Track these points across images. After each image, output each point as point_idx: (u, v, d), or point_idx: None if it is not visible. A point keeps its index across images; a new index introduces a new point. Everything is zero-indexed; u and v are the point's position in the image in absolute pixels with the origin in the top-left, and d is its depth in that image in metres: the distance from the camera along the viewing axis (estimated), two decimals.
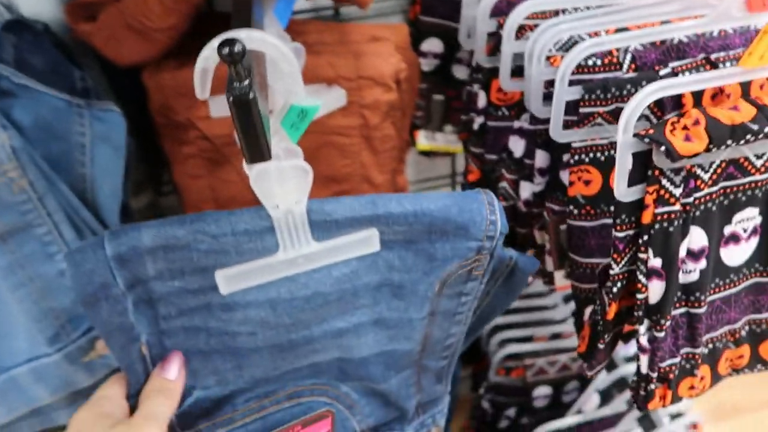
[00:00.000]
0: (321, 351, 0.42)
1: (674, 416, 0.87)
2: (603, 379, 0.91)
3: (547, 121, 0.50)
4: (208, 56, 0.30)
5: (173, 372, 0.37)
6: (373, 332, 0.43)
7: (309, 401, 0.43)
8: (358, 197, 0.39)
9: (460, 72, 0.78)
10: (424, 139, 0.83)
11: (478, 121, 0.61)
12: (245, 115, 0.28)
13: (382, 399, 0.47)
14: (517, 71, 0.52)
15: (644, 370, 0.44)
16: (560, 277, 0.58)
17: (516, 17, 0.48)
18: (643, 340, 0.43)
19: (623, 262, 0.43)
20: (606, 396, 0.90)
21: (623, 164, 0.38)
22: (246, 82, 0.28)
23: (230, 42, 0.27)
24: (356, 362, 0.44)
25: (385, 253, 0.41)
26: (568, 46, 0.50)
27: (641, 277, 0.41)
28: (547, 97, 0.48)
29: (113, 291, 0.35)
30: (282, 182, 0.34)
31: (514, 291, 0.50)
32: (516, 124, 0.55)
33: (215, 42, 0.29)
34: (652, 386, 0.44)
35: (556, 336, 0.99)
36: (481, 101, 0.59)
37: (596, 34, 0.49)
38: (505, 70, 0.51)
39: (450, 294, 0.44)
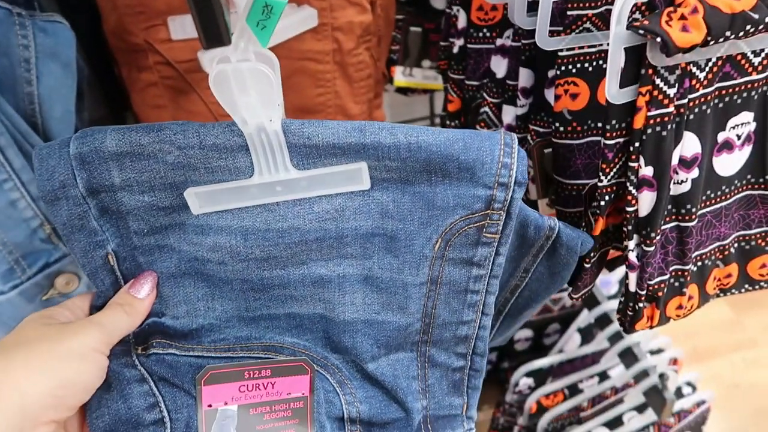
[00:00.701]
0: (299, 299, 0.38)
1: (653, 352, 0.87)
2: (584, 318, 0.90)
3: (531, 34, 0.47)
4: None
5: (143, 291, 0.36)
6: (362, 291, 0.38)
7: (288, 360, 0.39)
8: (345, 122, 0.35)
9: (438, 2, 0.75)
10: (401, 75, 0.80)
11: (458, 43, 0.58)
12: None
13: (379, 388, 0.40)
14: None
15: (633, 287, 0.42)
16: (544, 206, 0.56)
17: None
18: (632, 257, 0.41)
19: (612, 173, 0.41)
20: (587, 335, 0.90)
21: (615, 61, 0.35)
22: None
23: None
24: (341, 326, 0.38)
25: (377, 194, 0.36)
26: None
27: (631, 188, 0.39)
28: (531, 8, 0.45)
29: (72, 192, 0.33)
30: (242, 89, 0.31)
31: (559, 273, 0.42)
32: (498, 42, 0.52)
33: None
34: (640, 305, 0.43)
35: (563, 308, 0.98)
36: (461, 22, 0.56)
37: None
38: None
39: (456, 259, 0.38)
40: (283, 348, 0.39)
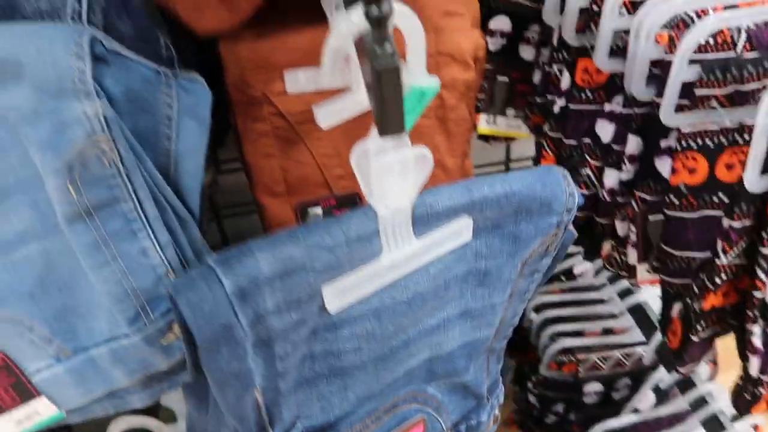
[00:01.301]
0: (415, 354, 0.41)
1: (734, 418, 0.84)
2: (659, 377, 0.88)
3: (644, 104, 0.47)
4: (354, 23, 0.27)
5: None
6: (459, 324, 0.42)
7: (403, 411, 0.41)
8: (453, 185, 0.38)
9: (526, 53, 0.75)
10: (485, 123, 0.80)
11: (559, 103, 0.58)
12: (392, 84, 0.26)
13: (463, 391, 0.46)
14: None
15: (754, 373, 0.41)
16: (643, 271, 0.56)
17: None
18: (757, 341, 0.41)
19: (733, 253, 0.41)
20: (662, 395, 0.88)
21: (758, 150, 0.35)
22: (389, 48, 0.26)
23: (378, 2, 0.25)
24: (444, 358, 0.43)
25: (472, 241, 0.39)
26: (672, 24, 0.47)
27: (761, 274, 0.39)
28: (650, 78, 0.46)
29: (236, 333, 0.31)
30: (403, 175, 0.32)
31: (554, 265, 0.49)
32: (606, 107, 0.52)
33: (358, 8, 0.27)
34: (761, 390, 0.42)
35: (608, 331, 0.96)
36: (565, 83, 0.57)
37: (704, 12, 0.46)
38: (604, 47, 0.48)
39: (527, 273, 0.43)
40: (398, 401, 0.40)
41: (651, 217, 0.51)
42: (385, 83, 0.26)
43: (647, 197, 0.50)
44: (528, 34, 0.74)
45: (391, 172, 0.32)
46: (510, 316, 0.46)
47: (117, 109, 0.39)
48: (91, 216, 0.40)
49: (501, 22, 0.73)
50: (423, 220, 0.35)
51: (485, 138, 0.84)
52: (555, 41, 0.58)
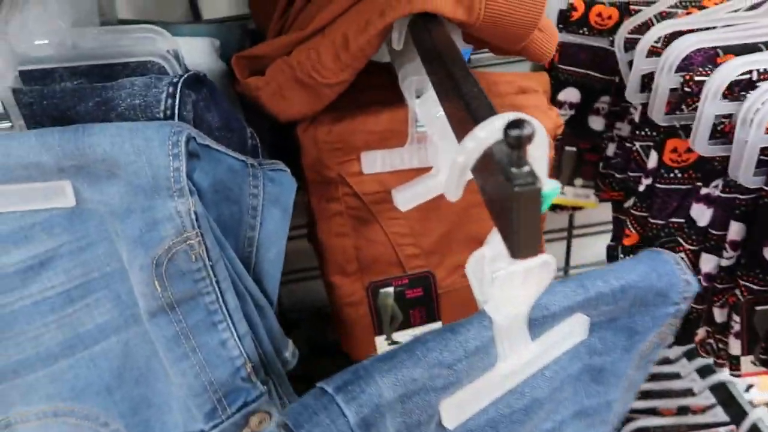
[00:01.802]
0: None
1: None
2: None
3: (751, 191, 0.44)
4: (484, 138, 0.25)
5: None
6: (573, 425, 0.40)
7: None
8: (565, 281, 0.35)
9: (596, 123, 0.73)
10: None
11: (646, 183, 0.55)
12: (531, 207, 0.24)
13: None
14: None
15: None
16: (748, 363, 0.51)
17: (726, 74, 0.43)
18: None
19: None
20: None
21: None
22: (527, 168, 0.24)
23: (520, 123, 0.23)
24: None
25: (587, 337, 0.37)
26: None
27: None
28: (760, 165, 0.43)
29: None
30: (525, 285, 0.30)
31: None
32: (703, 191, 0.49)
33: (497, 122, 0.25)
34: None
35: (684, 410, 0.90)
36: (652, 162, 0.54)
37: None
38: (704, 132, 0.45)
39: (642, 365, 0.41)
40: None
41: (758, 308, 0.48)
42: (524, 206, 0.24)
43: (754, 286, 0.47)
44: (597, 105, 0.72)
45: (512, 284, 0.30)
46: (622, 410, 0.43)
47: (204, 200, 0.38)
48: (173, 309, 0.39)
49: (570, 94, 0.71)
50: (538, 323, 0.33)
51: (552, 207, 0.81)
52: (637, 118, 0.56)
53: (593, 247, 0.97)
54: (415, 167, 0.53)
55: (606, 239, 0.72)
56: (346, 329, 0.59)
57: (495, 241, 0.30)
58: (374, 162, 0.52)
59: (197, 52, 0.50)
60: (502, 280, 0.30)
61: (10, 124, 0.38)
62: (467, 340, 0.32)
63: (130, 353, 0.42)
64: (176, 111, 0.38)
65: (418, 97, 0.50)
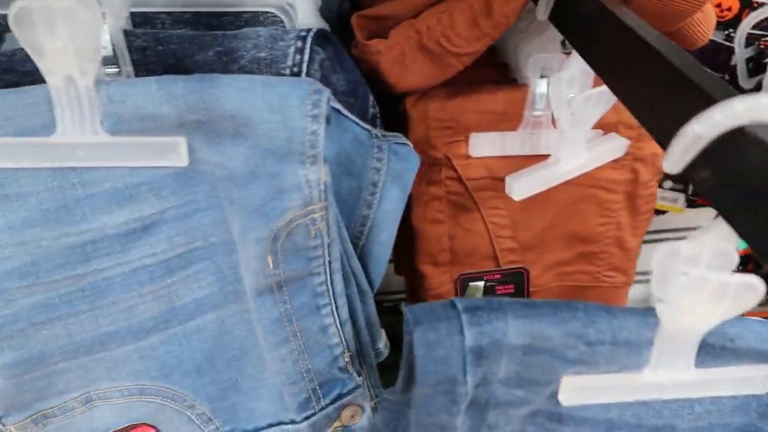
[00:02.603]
0: None
1: None
2: None
3: None
4: (736, 114, 0.21)
5: None
6: None
7: None
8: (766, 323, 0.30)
9: None
10: None
11: None
12: None
13: None
14: None
15: None
16: None
17: None
18: None
19: None
20: None
21: None
22: None
23: None
24: None
25: (765, 396, 0.32)
26: None
27: None
28: None
29: (458, 389, 0.28)
30: (714, 301, 0.26)
31: None
32: None
33: (763, 99, 0.21)
34: None
35: None
36: None
37: None
38: None
39: None
40: None
41: None
42: None
43: None
44: None
45: (700, 293, 0.25)
46: None
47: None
48: (281, 289, 0.35)
49: None
50: (714, 352, 0.29)
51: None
52: None
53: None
54: (526, 154, 0.49)
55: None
56: None
57: (699, 240, 0.26)
58: (483, 145, 0.48)
59: (301, 10, 0.46)
60: (690, 285, 0.26)
61: (117, 69, 0.34)
62: (620, 328, 0.28)
63: (225, 333, 0.38)
64: (304, 68, 0.34)
65: (541, 77, 0.46)
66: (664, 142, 0.27)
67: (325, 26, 0.48)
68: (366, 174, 0.37)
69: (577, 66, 0.41)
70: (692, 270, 0.26)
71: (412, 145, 0.40)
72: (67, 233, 0.34)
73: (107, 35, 0.33)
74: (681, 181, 0.72)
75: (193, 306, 0.37)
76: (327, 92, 0.32)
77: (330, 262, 0.36)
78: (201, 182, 0.34)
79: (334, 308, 0.38)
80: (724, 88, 0.23)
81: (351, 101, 0.37)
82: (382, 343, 0.45)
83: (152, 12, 0.40)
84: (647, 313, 0.28)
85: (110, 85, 0.31)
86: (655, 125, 0.28)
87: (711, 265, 0.27)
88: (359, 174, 0.37)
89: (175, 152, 0.32)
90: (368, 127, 0.37)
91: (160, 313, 0.37)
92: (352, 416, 0.41)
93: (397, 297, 0.82)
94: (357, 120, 0.36)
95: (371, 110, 0.39)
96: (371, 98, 0.39)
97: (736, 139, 0.22)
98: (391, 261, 0.70)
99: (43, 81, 0.29)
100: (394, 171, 0.38)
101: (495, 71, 0.51)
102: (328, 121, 0.33)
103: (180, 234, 0.36)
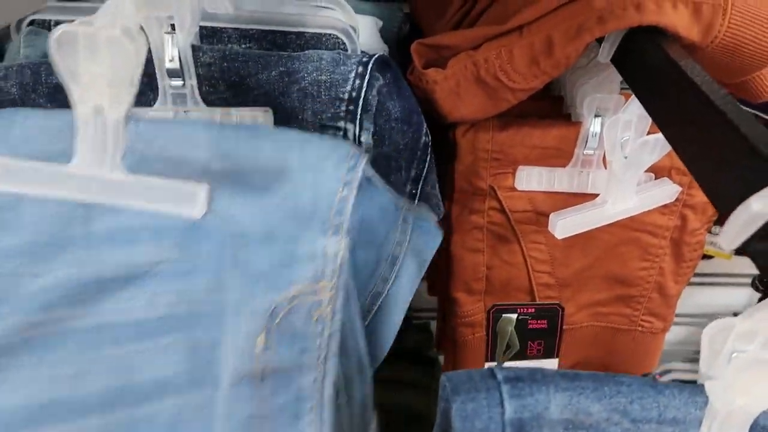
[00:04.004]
0: None
1: None
2: None
3: None
4: (758, 213, 0.21)
5: None
6: None
7: None
8: None
9: None
10: None
11: None
12: None
13: None
14: None
15: None
16: None
17: None
18: None
19: None
20: None
21: None
22: None
23: None
24: None
25: None
26: None
27: None
28: None
29: None
30: None
31: None
32: None
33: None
34: None
35: None
36: None
37: None
38: None
39: None
40: None
41: None
42: None
43: None
44: None
45: (755, 374, 0.25)
46: None
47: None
48: (263, 381, 0.31)
49: None
50: None
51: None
52: None
53: (697, 298, 0.91)
54: (572, 191, 0.48)
55: (714, 291, 0.65)
56: (456, 348, 0.55)
57: (755, 317, 0.25)
58: (530, 179, 0.48)
59: (362, 32, 0.47)
60: (744, 365, 0.25)
61: (181, 81, 0.35)
62: (667, 406, 0.27)
63: (178, 427, 0.33)
64: (362, 93, 0.35)
65: (596, 116, 0.46)
66: (720, 207, 0.27)
67: (385, 48, 0.48)
68: (387, 246, 0.35)
69: (635, 110, 0.41)
70: (746, 348, 0.25)
71: (435, 220, 0.39)
72: (45, 271, 0.31)
73: (175, 48, 0.34)
74: None
75: (152, 386, 0.33)
76: (365, 158, 0.31)
77: (326, 359, 0.32)
78: (208, 239, 0.32)
79: (317, 418, 0.33)
80: None
81: (404, 129, 0.37)
82: (372, 429, 0.40)
83: (220, 27, 0.42)
84: (695, 391, 0.28)
85: (141, 123, 0.30)
86: (712, 188, 0.27)
87: (766, 344, 0.26)
88: (380, 246, 0.35)
89: (192, 200, 0.28)
90: (396, 196, 0.35)
91: (110, 388, 0.32)
92: None
93: (426, 315, 0.82)
94: (388, 189, 0.35)
95: (424, 138, 0.39)
96: (425, 127, 0.39)
97: None
98: (424, 280, 0.70)
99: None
100: (414, 245, 0.37)
101: (548, 104, 0.50)
102: (359, 188, 0.31)
103: (166, 294, 0.32)
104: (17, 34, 0.37)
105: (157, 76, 0.35)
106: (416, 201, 0.39)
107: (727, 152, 0.26)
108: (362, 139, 0.36)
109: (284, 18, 0.40)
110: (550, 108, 0.50)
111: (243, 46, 0.42)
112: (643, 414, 0.27)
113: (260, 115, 0.36)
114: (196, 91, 0.35)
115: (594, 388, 0.27)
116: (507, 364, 0.56)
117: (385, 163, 0.39)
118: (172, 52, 0.34)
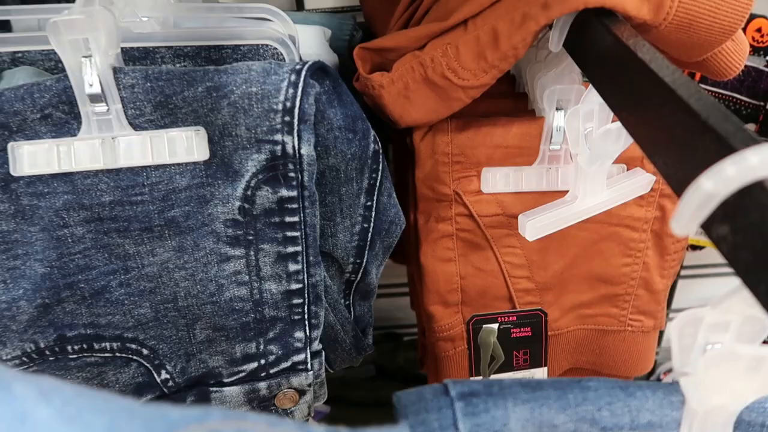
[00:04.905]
0: None
1: None
2: None
3: None
4: (752, 168, 0.18)
5: None
6: None
7: None
8: None
9: None
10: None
11: None
12: None
13: None
14: None
15: None
16: None
17: None
18: None
19: None
20: None
21: None
22: None
23: None
24: None
25: None
26: None
27: None
28: None
29: None
30: (750, 376, 0.22)
31: None
32: None
33: (763, 149, 0.18)
34: None
35: None
36: None
37: None
38: None
39: None
40: None
41: None
42: None
43: None
44: None
45: (731, 368, 0.22)
46: None
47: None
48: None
49: None
50: (754, 430, 0.25)
51: (693, 247, 0.72)
52: None
53: (697, 291, 0.88)
54: (541, 190, 0.46)
55: (713, 282, 0.62)
56: (438, 364, 0.52)
57: (724, 306, 0.23)
58: (496, 180, 0.45)
59: (308, 42, 0.45)
60: (719, 359, 0.23)
61: (105, 107, 0.33)
62: (640, 409, 0.25)
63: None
64: (297, 102, 0.33)
65: (558, 109, 0.44)
66: (677, 190, 0.24)
67: (334, 58, 0.46)
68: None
69: (595, 99, 0.39)
70: (720, 340, 0.23)
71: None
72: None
73: (94, 72, 0.32)
74: None
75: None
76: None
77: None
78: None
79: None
80: (745, 135, 0.20)
81: (349, 137, 0.35)
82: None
83: (153, 47, 0.40)
84: (671, 389, 0.25)
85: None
86: (668, 171, 0.25)
87: (740, 333, 0.23)
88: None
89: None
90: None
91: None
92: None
93: (416, 331, 0.79)
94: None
95: (372, 146, 0.37)
96: (372, 134, 0.37)
97: (755, 194, 0.19)
98: (407, 294, 0.67)
99: None
100: None
101: (512, 102, 0.48)
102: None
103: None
104: None
105: (78, 102, 0.33)
106: (371, 219, 0.38)
107: (678, 131, 0.24)
108: (302, 151, 0.34)
109: (216, 32, 0.38)
110: (515, 106, 0.48)
111: (178, 64, 0.40)
112: (613, 421, 0.25)
113: (192, 136, 0.34)
114: (122, 116, 0.34)
115: (557, 397, 0.25)
116: (493, 377, 0.53)
117: (334, 174, 0.37)
118: (91, 77, 0.32)
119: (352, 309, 0.43)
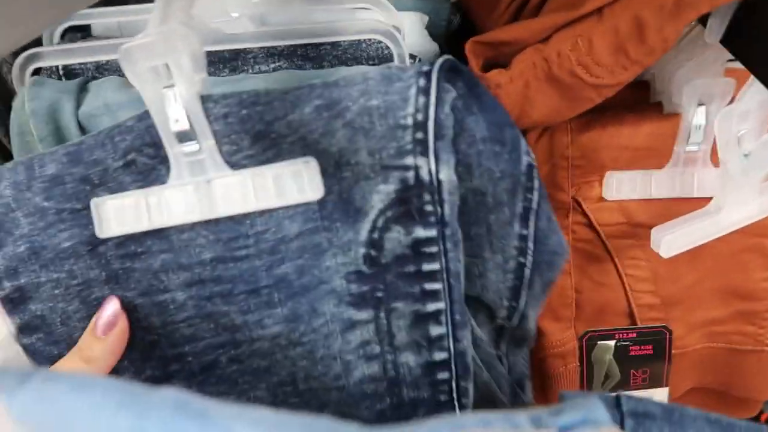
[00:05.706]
0: None
1: None
2: None
3: None
4: None
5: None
6: None
7: None
8: None
9: None
10: None
11: None
12: None
13: None
14: None
15: None
16: None
17: None
18: None
19: None
20: None
21: None
22: None
23: None
24: None
25: None
26: None
27: None
28: None
29: None
30: None
31: None
32: None
33: None
34: None
35: None
36: None
37: None
38: None
39: None
40: None
41: None
42: None
43: None
44: None
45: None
46: None
47: None
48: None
49: None
50: None
51: None
52: None
53: None
54: (674, 197, 0.40)
55: None
56: (547, 382, 0.48)
57: (745, 98, 0.23)
58: (621, 186, 0.40)
59: (406, 31, 0.40)
60: None
61: (196, 145, 0.28)
62: None
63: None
64: (431, 113, 0.27)
65: (699, 105, 0.38)
66: None
67: (435, 48, 0.42)
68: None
69: (754, 97, 0.33)
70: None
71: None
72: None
73: (179, 104, 0.27)
74: None
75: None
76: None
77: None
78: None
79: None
80: None
81: (497, 150, 0.30)
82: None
83: (243, 48, 0.37)
84: None
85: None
86: None
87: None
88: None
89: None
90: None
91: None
92: None
93: None
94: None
95: (525, 159, 0.31)
96: (524, 143, 0.31)
97: None
98: None
99: None
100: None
101: (630, 91, 0.42)
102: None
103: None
104: (21, 85, 0.33)
105: (165, 142, 0.28)
106: (528, 251, 0.32)
107: None
108: (441, 176, 0.28)
109: (314, 29, 0.35)
110: (633, 96, 0.42)
111: (272, 65, 0.37)
112: None
113: (301, 170, 0.29)
114: (216, 154, 0.29)
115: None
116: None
117: (479, 199, 0.31)
118: (176, 111, 0.27)
119: (505, 360, 0.36)
